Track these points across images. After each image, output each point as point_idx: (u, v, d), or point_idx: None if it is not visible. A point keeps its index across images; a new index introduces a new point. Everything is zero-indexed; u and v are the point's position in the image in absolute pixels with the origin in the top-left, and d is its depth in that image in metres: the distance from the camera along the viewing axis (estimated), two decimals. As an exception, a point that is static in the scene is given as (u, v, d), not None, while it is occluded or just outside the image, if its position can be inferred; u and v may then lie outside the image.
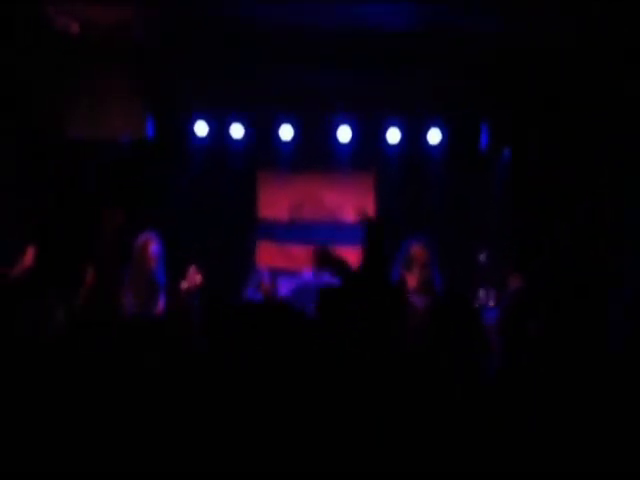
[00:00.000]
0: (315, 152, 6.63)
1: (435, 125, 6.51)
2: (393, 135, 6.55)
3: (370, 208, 6.71)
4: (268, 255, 6.63)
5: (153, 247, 4.95)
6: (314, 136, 6.57)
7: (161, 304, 4.83)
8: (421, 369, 2.56)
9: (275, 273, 6.47)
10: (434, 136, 6.53)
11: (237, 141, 6.58)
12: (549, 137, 6.06)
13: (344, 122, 6.51)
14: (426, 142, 6.57)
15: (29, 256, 4.23)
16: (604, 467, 2.25)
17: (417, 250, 5.06)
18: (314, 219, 6.72)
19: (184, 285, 4.81)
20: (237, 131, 6.55)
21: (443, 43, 5.87)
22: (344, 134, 6.53)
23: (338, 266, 3.63)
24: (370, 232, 3.69)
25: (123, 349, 2.63)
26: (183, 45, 6.05)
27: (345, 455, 2.17)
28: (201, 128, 6.52)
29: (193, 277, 4.81)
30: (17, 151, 5.60)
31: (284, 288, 6.45)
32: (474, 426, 2.27)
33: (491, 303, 5.20)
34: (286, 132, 6.54)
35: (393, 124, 6.53)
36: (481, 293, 5.44)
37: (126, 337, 2.73)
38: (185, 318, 4.54)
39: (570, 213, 5.93)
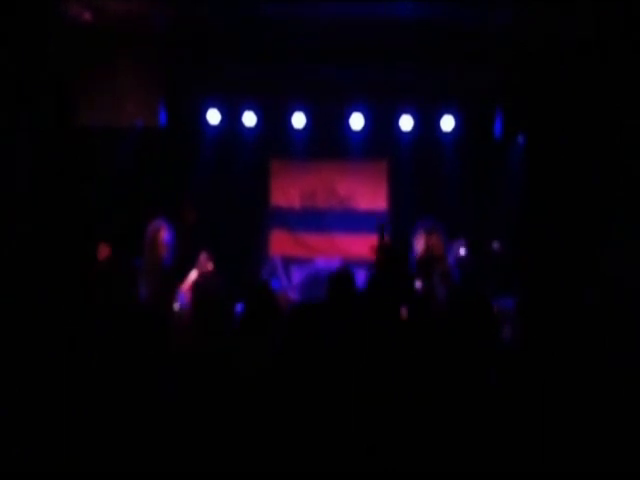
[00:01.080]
0: (328, 140, 6.61)
1: (448, 112, 6.46)
2: (406, 122, 6.51)
3: (383, 196, 6.71)
4: (281, 243, 6.64)
5: (164, 235, 4.93)
6: (327, 124, 6.54)
7: (175, 292, 4.82)
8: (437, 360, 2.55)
9: (288, 261, 6.51)
10: (447, 123, 6.49)
11: (250, 129, 6.57)
12: (563, 123, 6.00)
13: (357, 110, 6.47)
14: (439, 129, 6.52)
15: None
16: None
17: (435, 241, 5.03)
18: (327, 207, 6.70)
19: (193, 274, 4.81)
20: (250, 119, 6.53)
21: (457, 32, 5.83)
22: (357, 122, 6.49)
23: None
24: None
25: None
26: (196, 34, 6.03)
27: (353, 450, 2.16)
28: (213, 116, 6.50)
29: (204, 264, 4.81)
30: (32, 138, 5.61)
31: (297, 276, 6.46)
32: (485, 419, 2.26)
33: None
34: (299, 120, 6.51)
35: (406, 111, 6.48)
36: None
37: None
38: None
39: (585, 199, 5.88)
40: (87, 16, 5.93)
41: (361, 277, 6.39)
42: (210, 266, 4.87)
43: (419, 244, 4.91)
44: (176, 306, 4.48)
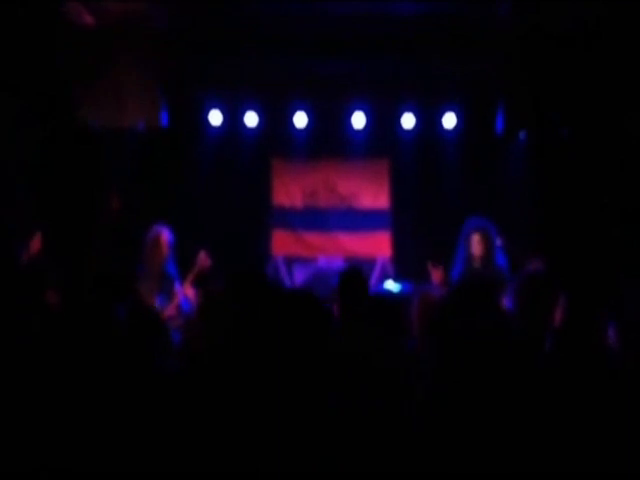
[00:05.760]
0: (329, 139, 6.59)
1: (450, 109, 6.43)
2: (408, 120, 6.48)
3: (385, 194, 6.69)
4: (283, 243, 6.62)
5: (165, 240, 4.96)
6: (328, 123, 6.53)
7: (179, 295, 4.82)
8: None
9: (290, 260, 6.51)
10: (449, 120, 6.45)
11: (251, 129, 6.56)
12: (565, 118, 5.97)
13: (358, 108, 6.46)
14: (441, 127, 6.49)
15: (36, 242, 4.25)
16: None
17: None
18: (329, 206, 6.67)
19: (191, 276, 4.81)
20: (251, 119, 6.53)
21: (457, 26, 5.81)
22: (358, 120, 6.48)
23: None
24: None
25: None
26: (197, 34, 6.05)
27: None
28: (215, 117, 6.51)
29: (203, 262, 4.81)
30: (34, 140, 5.64)
31: (299, 275, 6.45)
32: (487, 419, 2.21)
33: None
34: (300, 119, 6.51)
35: (408, 109, 6.46)
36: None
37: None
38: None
39: (588, 194, 5.84)
40: (89, 19, 5.97)
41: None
42: (209, 264, 4.86)
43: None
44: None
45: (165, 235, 4.98)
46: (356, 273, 3.69)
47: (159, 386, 2.28)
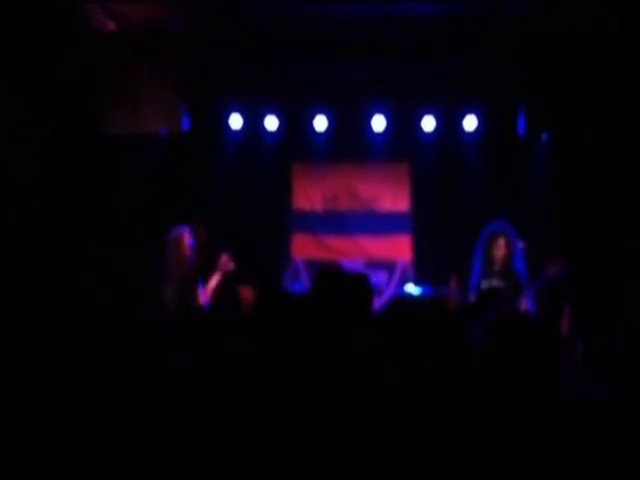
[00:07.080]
0: (350, 142, 6.59)
1: (471, 111, 6.39)
2: (428, 123, 6.45)
3: (405, 197, 6.67)
4: (303, 247, 6.63)
5: (187, 241, 4.98)
6: (348, 126, 6.53)
7: (202, 297, 4.85)
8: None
9: (311, 264, 6.51)
10: (470, 123, 6.42)
11: (271, 133, 6.59)
12: (588, 120, 5.90)
13: (378, 111, 6.45)
14: (462, 129, 6.45)
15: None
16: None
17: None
18: (349, 210, 6.67)
19: (215, 278, 4.83)
20: (271, 123, 6.55)
21: (477, 28, 5.78)
22: (378, 124, 6.47)
23: None
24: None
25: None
26: (217, 39, 6.09)
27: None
28: (236, 121, 6.55)
29: (226, 265, 4.83)
30: (55, 147, 5.70)
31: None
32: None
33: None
34: (320, 123, 6.52)
35: (428, 112, 6.43)
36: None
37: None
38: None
39: (610, 197, 5.77)
40: (111, 26, 6.03)
41: (382, 278, 6.42)
42: (232, 266, 4.88)
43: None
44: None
45: (187, 235, 5.00)
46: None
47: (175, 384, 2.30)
